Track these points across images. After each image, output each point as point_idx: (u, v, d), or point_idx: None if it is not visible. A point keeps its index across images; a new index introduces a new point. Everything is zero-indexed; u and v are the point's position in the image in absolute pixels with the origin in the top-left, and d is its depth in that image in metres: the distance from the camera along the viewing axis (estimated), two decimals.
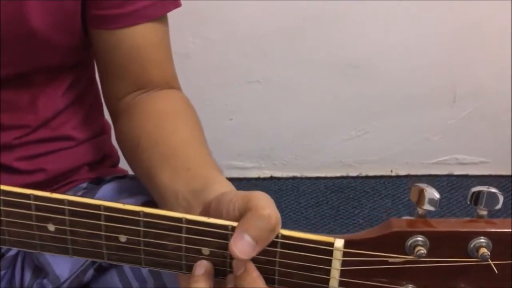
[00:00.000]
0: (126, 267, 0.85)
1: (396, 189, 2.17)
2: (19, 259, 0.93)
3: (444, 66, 2.04)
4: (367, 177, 2.22)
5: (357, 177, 2.22)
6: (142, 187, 0.85)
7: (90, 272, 0.86)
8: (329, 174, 2.21)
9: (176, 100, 0.91)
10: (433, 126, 2.15)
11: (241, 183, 2.15)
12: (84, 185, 0.98)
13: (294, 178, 2.20)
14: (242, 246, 0.56)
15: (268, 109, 2.08)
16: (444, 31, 1.98)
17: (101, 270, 0.86)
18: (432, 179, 2.19)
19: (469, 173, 2.22)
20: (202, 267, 0.60)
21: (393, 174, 2.22)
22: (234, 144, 2.13)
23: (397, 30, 1.97)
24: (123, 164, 1.04)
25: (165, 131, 0.84)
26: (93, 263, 0.85)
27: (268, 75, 2.02)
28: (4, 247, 0.92)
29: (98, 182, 0.99)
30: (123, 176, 1.00)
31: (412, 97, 2.08)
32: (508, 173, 2.20)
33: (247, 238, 0.56)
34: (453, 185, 2.17)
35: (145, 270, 0.84)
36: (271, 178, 2.20)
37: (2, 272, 0.93)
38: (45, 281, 0.88)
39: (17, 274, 0.92)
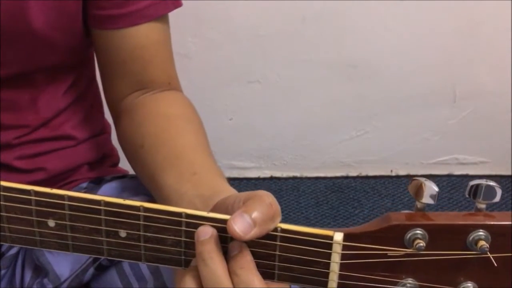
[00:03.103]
0: (126, 266, 0.85)
1: (396, 189, 2.17)
2: (20, 258, 0.93)
3: (444, 66, 2.04)
4: (367, 177, 2.22)
5: (357, 177, 2.22)
6: (144, 187, 0.85)
7: (90, 271, 0.86)
8: (329, 174, 2.21)
9: (180, 103, 0.91)
10: (433, 126, 2.15)
11: (241, 183, 2.15)
12: (84, 184, 0.98)
13: (294, 178, 2.20)
14: (241, 223, 0.56)
15: (268, 109, 2.08)
16: (444, 31, 1.98)
17: (101, 269, 0.86)
18: (432, 179, 2.18)
19: (469, 173, 2.22)
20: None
21: (393, 174, 2.22)
22: (234, 144, 2.13)
23: (397, 30, 1.98)
24: (122, 164, 1.04)
25: (170, 134, 0.84)
26: (94, 262, 0.85)
27: (268, 75, 2.02)
28: (5, 247, 0.92)
29: (98, 181, 0.99)
30: (123, 175, 1.00)
31: (412, 97, 2.08)
32: (508, 173, 2.20)
33: (246, 217, 0.56)
34: (453, 185, 2.17)
35: (145, 269, 0.84)
36: (271, 178, 2.20)
37: (2, 272, 0.93)
38: (45, 280, 0.89)
39: (17, 274, 0.93)
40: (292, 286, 0.64)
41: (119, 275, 0.86)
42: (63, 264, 0.88)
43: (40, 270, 0.91)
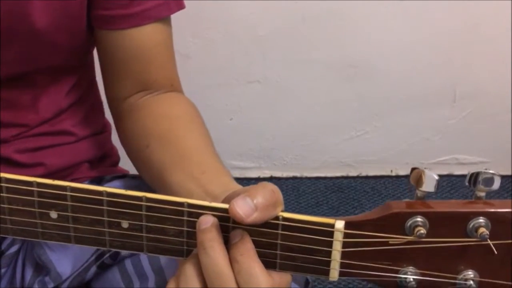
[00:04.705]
0: (129, 264, 0.85)
1: (396, 189, 2.17)
2: (20, 256, 0.93)
3: (444, 66, 2.04)
4: (367, 177, 2.22)
5: (357, 177, 2.22)
6: (146, 186, 0.85)
7: (93, 269, 0.86)
8: (329, 174, 2.21)
9: (183, 104, 0.91)
10: (433, 126, 2.15)
11: (241, 183, 2.10)
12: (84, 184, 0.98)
13: (294, 178, 2.20)
14: (243, 206, 0.57)
15: (268, 109, 2.08)
16: (444, 31, 1.98)
17: (103, 268, 0.86)
18: None
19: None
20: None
21: (393, 174, 2.23)
22: (234, 144, 2.13)
23: (397, 30, 1.98)
24: (122, 164, 1.04)
25: (176, 134, 0.84)
26: (96, 260, 0.85)
27: (268, 75, 2.03)
28: (4, 245, 0.92)
29: (98, 181, 0.98)
30: (123, 175, 1.00)
31: (412, 97, 2.09)
32: (508, 173, 2.20)
33: (249, 201, 0.57)
34: (453, 185, 2.17)
35: (147, 268, 0.84)
36: (271, 178, 2.20)
37: (3, 270, 0.93)
38: (46, 278, 0.88)
39: (18, 272, 0.92)
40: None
41: (121, 274, 0.85)
42: (64, 262, 0.88)
43: (41, 269, 0.90)
